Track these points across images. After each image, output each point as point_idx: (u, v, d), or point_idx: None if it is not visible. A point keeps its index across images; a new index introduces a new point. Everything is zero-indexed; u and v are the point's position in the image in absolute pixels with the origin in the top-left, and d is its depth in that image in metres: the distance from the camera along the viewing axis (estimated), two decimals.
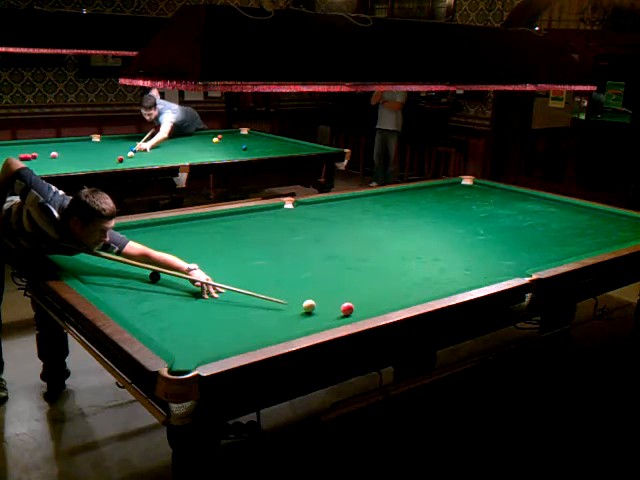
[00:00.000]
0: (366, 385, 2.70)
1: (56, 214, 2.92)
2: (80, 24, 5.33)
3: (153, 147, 5.81)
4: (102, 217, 2.83)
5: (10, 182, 3.03)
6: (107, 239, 2.92)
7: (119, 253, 2.97)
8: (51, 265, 2.92)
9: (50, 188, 3.02)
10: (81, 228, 2.86)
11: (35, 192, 2.96)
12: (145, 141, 5.87)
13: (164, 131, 6.05)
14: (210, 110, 8.96)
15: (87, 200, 2.83)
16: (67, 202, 2.97)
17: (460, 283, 2.87)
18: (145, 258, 2.95)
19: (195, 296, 2.74)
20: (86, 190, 2.89)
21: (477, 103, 8.45)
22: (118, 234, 3.01)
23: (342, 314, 2.51)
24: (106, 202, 2.86)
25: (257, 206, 4.16)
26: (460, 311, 2.68)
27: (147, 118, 6.15)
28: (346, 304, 2.54)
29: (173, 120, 6.18)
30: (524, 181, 7.61)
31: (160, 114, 6.15)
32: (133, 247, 2.98)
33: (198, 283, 2.78)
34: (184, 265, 2.86)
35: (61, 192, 3.06)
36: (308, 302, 2.56)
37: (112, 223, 2.90)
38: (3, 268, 3.30)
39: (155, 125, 6.24)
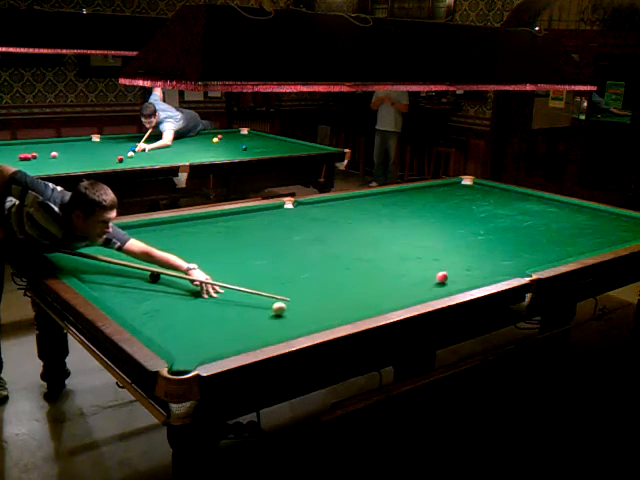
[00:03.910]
0: (366, 385, 2.70)
1: (57, 210, 2.93)
2: (80, 24, 5.33)
3: (153, 149, 5.81)
4: (103, 208, 2.85)
5: (6, 188, 3.01)
6: (110, 230, 2.93)
7: (120, 249, 2.98)
8: (51, 265, 2.92)
9: (47, 186, 3.02)
10: (83, 221, 2.88)
11: (33, 192, 2.96)
12: (144, 141, 5.87)
13: (167, 139, 6.04)
14: (210, 110, 8.96)
15: (87, 192, 2.85)
16: (67, 197, 2.98)
17: (460, 283, 2.87)
18: (146, 256, 2.96)
19: (195, 295, 2.74)
20: (85, 183, 2.91)
21: (477, 103, 8.46)
22: (120, 231, 3.03)
23: (439, 282, 2.89)
24: (106, 193, 2.88)
25: (257, 206, 4.16)
26: (460, 311, 2.68)
27: (147, 126, 6.12)
28: (442, 273, 2.89)
29: (174, 128, 6.18)
30: (524, 181, 7.62)
31: (161, 122, 6.13)
32: (134, 245, 2.99)
33: (197, 282, 2.78)
34: (184, 265, 2.86)
35: (59, 188, 3.07)
36: (278, 305, 2.55)
37: (114, 214, 2.91)
38: (3, 268, 3.30)
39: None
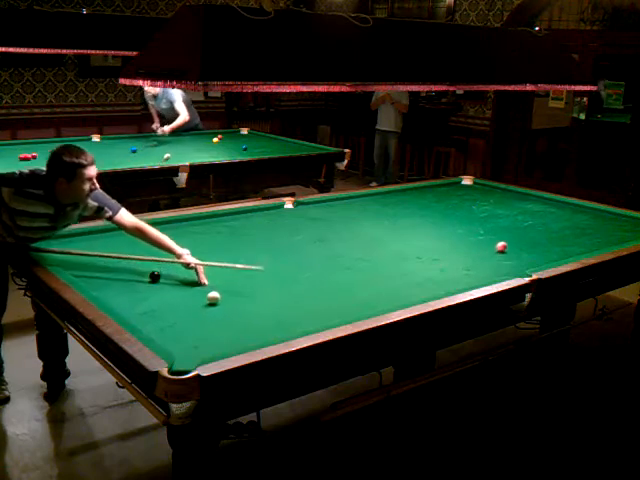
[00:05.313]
0: (366, 385, 2.70)
1: (36, 191, 2.95)
2: (80, 24, 5.33)
3: (173, 130, 5.99)
4: (84, 167, 2.90)
5: None
6: (97, 186, 2.97)
7: (111, 218, 3.04)
8: (51, 265, 2.92)
9: (14, 174, 3.04)
10: (68, 186, 2.91)
11: (5, 187, 2.97)
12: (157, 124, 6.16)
13: (183, 114, 6.19)
14: (210, 110, 8.96)
15: (64, 158, 2.89)
16: (39, 172, 3.01)
17: (460, 283, 2.87)
18: (138, 232, 3.01)
19: (195, 296, 2.73)
20: (58, 149, 2.95)
21: (477, 103, 8.45)
22: (111, 199, 3.08)
23: (498, 250, 3.33)
24: (83, 152, 2.94)
25: (257, 206, 4.16)
26: (460, 311, 2.68)
27: (151, 103, 6.37)
28: (501, 243, 3.33)
29: (183, 100, 6.30)
30: (524, 181, 7.62)
31: (172, 102, 6.26)
32: (126, 216, 3.05)
33: (192, 264, 2.84)
34: (178, 249, 2.90)
35: (26, 170, 3.09)
36: (212, 294, 2.60)
37: (95, 169, 2.96)
38: (6, 271, 3.28)
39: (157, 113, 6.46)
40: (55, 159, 2.91)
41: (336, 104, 10.31)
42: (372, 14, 9.73)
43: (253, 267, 2.82)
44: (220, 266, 2.85)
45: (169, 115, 6.37)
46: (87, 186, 2.93)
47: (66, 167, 2.87)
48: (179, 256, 2.88)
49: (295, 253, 3.36)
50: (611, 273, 3.44)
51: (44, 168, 2.99)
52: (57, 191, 2.93)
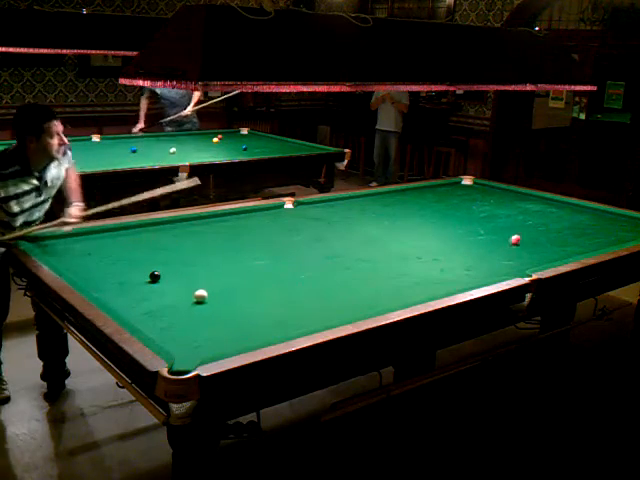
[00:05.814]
0: (366, 385, 2.70)
1: (13, 169, 3.00)
2: (80, 24, 5.32)
3: (194, 106, 6.45)
4: (48, 120, 2.97)
5: None
6: (66, 141, 3.08)
7: (67, 170, 3.29)
8: (50, 264, 2.92)
9: None
10: (38, 144, 2.98)
11: None
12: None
13: (196, 93, 6.49)
14: (210, 110, 8.95)
15: (28, 115, 2.99)
16: (6, 150, 3.09)
17: (460, 283, 2.87)
18: (69, 180, 3.30)
19: (195, 297, 2.73)
20: (19, 110, 3.05)
21: (477, 103, 8.46)
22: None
23: (512, 243, 3.44)
24: (43, 107, 3.06)
25: (257, 206, 4.16)
26: (460, 311, 2.68)
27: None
28: (515, 237, 3.45)
29: None
30: (524, 181, 7.62)
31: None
32: (73, 170, 3.36)
33: (70, 219, 3.09)
34: (74, 202, 3.17)
35: None
36: (199, 292, 2.60)
37: (60, 124, 3.05)
38: (8, 277, 3.28)
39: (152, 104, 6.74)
40: (20, 119, 2.99)
41: (336, 104, 10.31)
42: (372, 14, 9.73)
43: (190, 183, 3.16)
44: (153, 195, 3.26)
45: (172, 97, 6.53)
46: (56, 140, 3.00)
47: (32, 124, 2.94)
48: (69, 207, 3.14)
49: (295, 253, 3.36)
50: (611, 273, 3.44)
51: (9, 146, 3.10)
52: (30, 154, 2.99)
